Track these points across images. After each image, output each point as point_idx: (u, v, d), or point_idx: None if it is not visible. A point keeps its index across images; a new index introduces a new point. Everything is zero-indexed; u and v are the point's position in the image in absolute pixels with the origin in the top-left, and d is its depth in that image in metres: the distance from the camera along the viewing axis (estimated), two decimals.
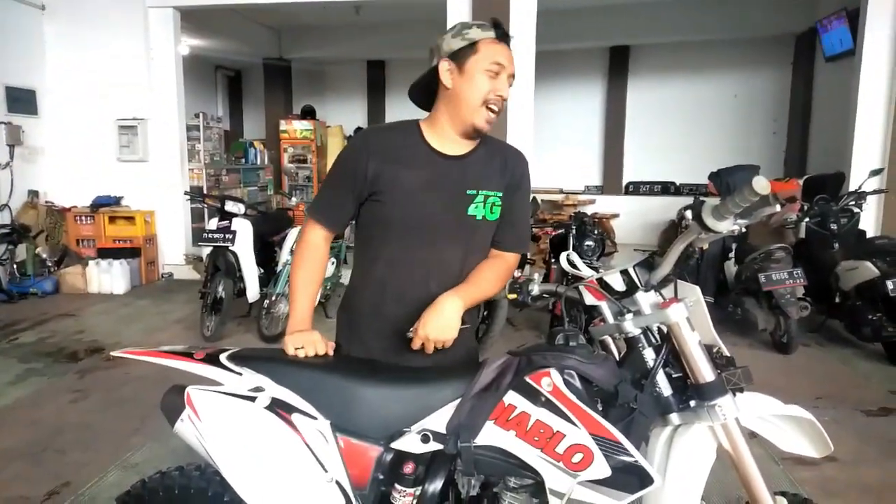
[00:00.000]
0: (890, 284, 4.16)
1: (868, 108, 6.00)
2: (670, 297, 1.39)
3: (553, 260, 5.35)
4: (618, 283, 1.44)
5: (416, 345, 1.55)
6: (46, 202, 7.28)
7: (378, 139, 1.64)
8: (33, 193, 7.17)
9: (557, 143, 9.62)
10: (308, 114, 9.91)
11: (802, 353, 4.71)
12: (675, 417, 1.39)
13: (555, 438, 1.29)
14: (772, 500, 1.36)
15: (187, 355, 1.53)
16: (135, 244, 7.16)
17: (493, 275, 1.67)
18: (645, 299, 1.41)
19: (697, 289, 1.41)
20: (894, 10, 5.86)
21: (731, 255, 5.47)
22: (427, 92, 1.68)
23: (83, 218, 7.21)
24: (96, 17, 7.22)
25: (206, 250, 5.16)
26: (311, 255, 1.69)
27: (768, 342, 4.84)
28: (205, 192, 7.75)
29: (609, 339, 1.52)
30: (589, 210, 8.37)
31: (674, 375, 1.41)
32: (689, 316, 1.36)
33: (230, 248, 4.95)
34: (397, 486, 1.41)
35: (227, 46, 10.12)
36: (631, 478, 1.25)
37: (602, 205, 9.28)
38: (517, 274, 1.67)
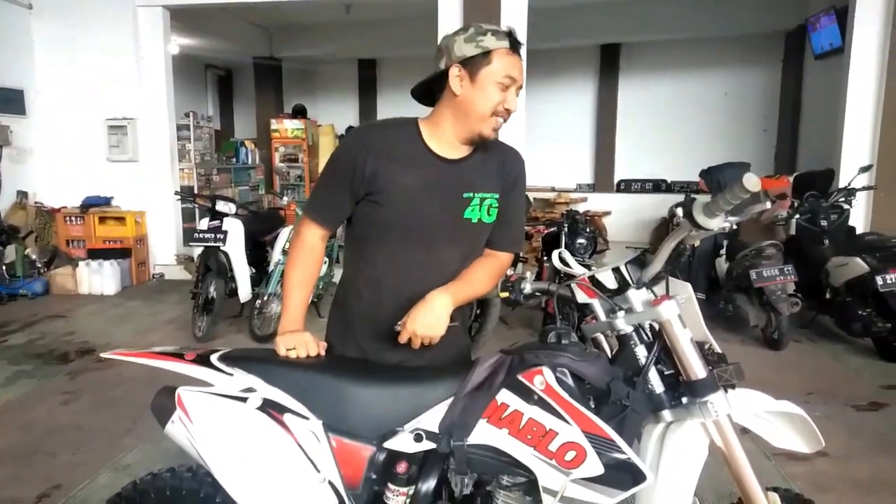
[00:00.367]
0: (879, 280, 4.19)
1: (857, 106, 6.04)
2: (662, 295, 1.40)
3: (545, 258, 5.35)
4: (609, 281, 1.44)
5: (402, 339, 1.54)
6: (36, 203, 7.22)
7: (376, 136, 1.61)
8: (22, 194, 7.11)
9: (549, 142, 9.62)
10: (299, 113, 9.88)
11: (793, 348, 4.73)
12: (667, 414, 1.39)
13: (547, 436, 1.29)
14: (764, 496, 1.37)
15: (178, 356, 1.52)
16: (125, 245, 7.11)
17: (485, 273, 1.66)
18: (637, 297, 1.41)
19: (689, 286, 1.41)
20: (883, 7, 5.90)
21: (723, 252, 5.50)
22: (428, 88, 1.65)
23: (73, 218, 7.16)
24: (85, 16, 7.16)
25: (197, 250, 5.14)
26: (306, 255, 1.68)
27: (759, 338, 4.87)
28: (195, 191, 7.72)
29: (601, 337, 1.52)
30: (581, 208, 8.39)
31: (666, 372, 1.41)
32: (680, 313, 1.37)
33: (221, 248, 4.92)
34: (390, 486, 1.41)
35: (217, 45, 10.07)
36: (623, 475, 1.26)
37: (594, 202, 9.30)
38: (509, 272, 1.67)
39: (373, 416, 1.43)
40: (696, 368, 1.35)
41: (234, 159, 9.55)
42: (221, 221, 5.01)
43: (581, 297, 1.48)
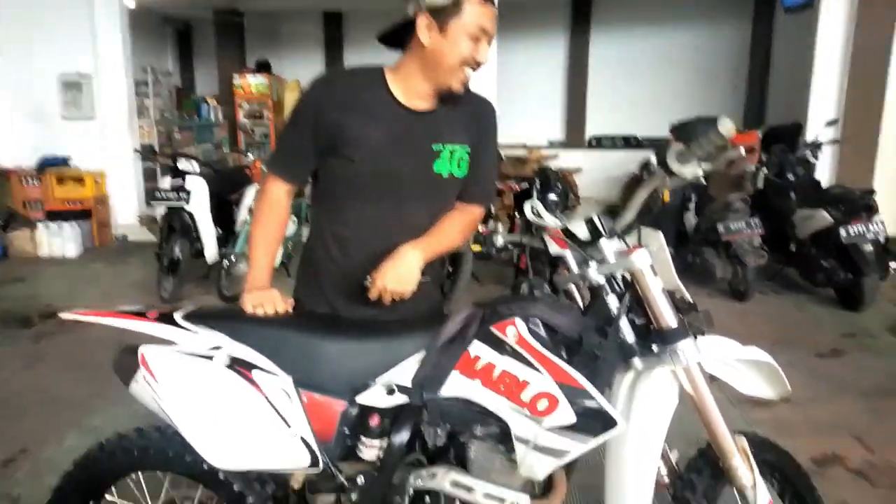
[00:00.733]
0: (843, 232, 4.28)
1: (825, 61, 6.07)
2: (634, 244, 1.39)
3: (517, 215, 5.34)
4: (582, 232, 1.43)
5: (373, 294, 1.51)
6: None
7: (340, 86, 1.54)
8: None
9: (520, 98, 9.50)
10: (263, 68, 9.57)
11: (759, 300, 4.84)
12: (637, 362, 1.40)
13: (520, 387, 1.29)
14: (732, 441, 1.39)
15: (140, 315, 1.47)
16: (85, 206, 6.89)
17: (456, 227, 1.63)
18: (609, 247, 1.40)
19: (660, 234, 1.40)
20: None
21: (691, 206, 5.55)
22: (396, 33, 1.56)
23: (29, 179, 6.89)
24: None
25: (160, 210, 5.00)
26: (271, 211, 1.62)
27: (726, 290, 4.96)
28: (156, 150, 7.48)
29: (573, 288, 1.52)
30: (552, 165, 8.36)
31: (637, 321, 1.42)
32: (652, 262, 1.36)
33: (185, 207, 4.79)
34: (363, 439, 1.40)
35: None
36: (595, 422, 1.27)
37: (565, 159, 9.26)
38: (481, 228, 1.64)
39: (344, 371, 1.41)
40: (667, 317, 1.35)
41: (197, 117, 9.26)
42: (184, 180, 4.87)
43: (554, 248, 1.47)
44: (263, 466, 1.36)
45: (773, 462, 1.57)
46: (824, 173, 5.93)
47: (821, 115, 5.86)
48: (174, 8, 10.30)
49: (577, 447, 1.27)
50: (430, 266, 1.59)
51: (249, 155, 5.93)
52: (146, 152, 6.16)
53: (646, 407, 1.35)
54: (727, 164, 4.76)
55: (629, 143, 9.44)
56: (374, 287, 1.50)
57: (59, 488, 1.55)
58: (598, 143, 9.63)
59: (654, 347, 1.39)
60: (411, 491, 1.42)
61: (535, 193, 4.69)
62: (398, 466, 1.42)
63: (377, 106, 1.53)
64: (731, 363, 1.50)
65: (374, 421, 1.39)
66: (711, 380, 1.42)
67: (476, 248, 1.57)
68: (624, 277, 1.43)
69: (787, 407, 3.03)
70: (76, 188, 6.91)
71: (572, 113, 9.99)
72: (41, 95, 7.02)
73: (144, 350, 1.37)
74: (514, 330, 1.33)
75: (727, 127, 1.07)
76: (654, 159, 1.18)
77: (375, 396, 1.38)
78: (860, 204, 4.37)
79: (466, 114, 1.60)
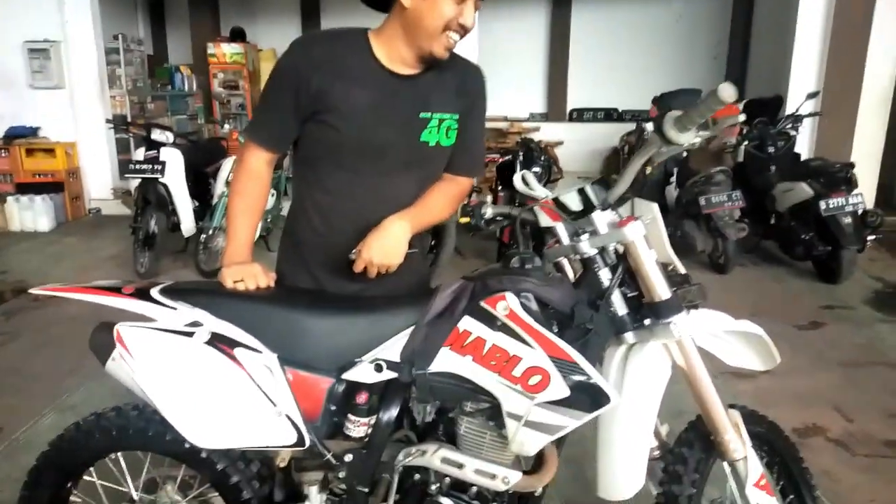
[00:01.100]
0: (823, 205, 4.30)
1: (806, 33, 6.04)
2: (627, 216, 1.35)
3: (500, 187, 5.30)
4: (574, 203, 1.39)
5: (358, 267, 1.46)
6: None
7: (322, 48, 1.46)
8: None
9: (501, 70, 9.35)
10: (238, 36, 9.30)
11: (739, 272, 4.88)
12: (629, 336, 1.38)
13: (511, 362, 1.26)
14: (725, 414, 1.38)
15: (115, 290, 1.41)
16: (57, 178, 6.70)
17: (444, 199, 1.58)
18: (601, 218, 1.36)
19: (655, 206, 1.37)
20: None
21: (672, 179, 5.55)
22: None
23: None
24: None
25: (134, 183, 4.87)
26: (250, 181, 1.55)
27: (706, 263, 4.99)
28: (129, 120, 7.27)
29: (565, 261, 1.49)
30: (534, 138, 8.29)
31: (629, 294, 1.39)
32: (645, 234, 1.33)
33: (160, 179, 4.67)
34: (351, 417, 1.37)
35: None
36: (588, 397, 1.24)
37: (546, 132, 9.19)
38: (470, 200, 1.60)
39: (330, 348, 1.37)
40: (661, 290, 1.32)
41: (170, 86, 9.00)
42: (158, 151, 4.74)
43: (544, 220, 1.43)
44: (247, 445, 1.32)
45: (761, 434, 1.57)
46: (803, 146, 5.94)
47: (801, 88, 5.86)
48: None
49: (569, 422, 1.24)
50: (416, 238, 1.54)
51: (226, 126, 5.78)
52: (119, 123, 5.97)
53: (638, 381, 1.33)
54: (706, 142, 4.75)
55: (610, 116, 9.40)
56: (359, 259, 1.45)
57: (34, 469, 1.51)
58: (580, 115, 9.58)
59: (647, 321, 1.37)
60: (400, 468, 1.39)
61: (517, 169, 4.66)
62: (386, 444, 1.39)
63: (361, 70, 1.46)
64: (720, 335, 1.48)
65: (362, 398, 1.36)
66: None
67: (464, 220, 1.52)
68: (616, 250, 1.41)
69: (768, 378, 3.06)
70: (47, 160, 6.70)
71: (553, 85, 9.90)
72: (7, 63, 6.76)
73: (121, 327, 1.32)
74: (505, 304, 1.30)
75: (728, 92, 1.03)
76: (649, 127, 1.14)
77: (363, 373, 1.35)
78: (840, 177, 4.40)
79: (455, 81, 1.54)
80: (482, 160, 1.69)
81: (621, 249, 1.38)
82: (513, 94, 9.60)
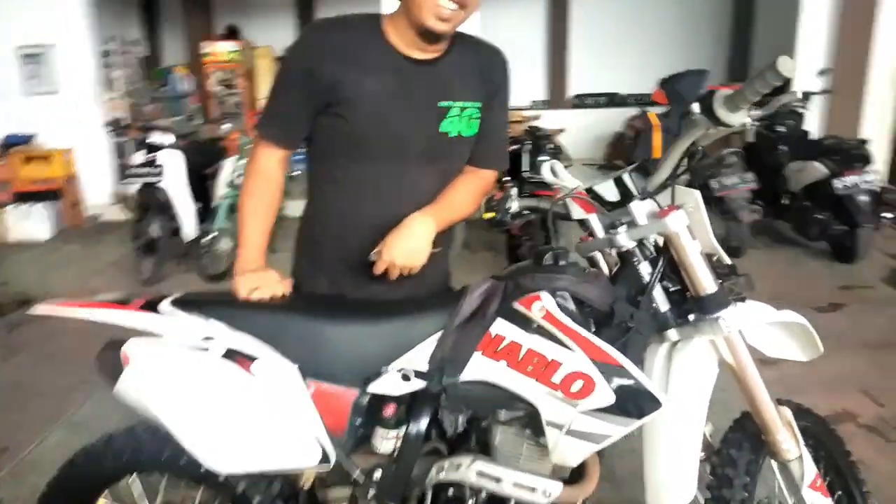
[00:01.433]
0: (838, 183, 4.20)
1: (812, 9, 5.92)
2: (668, 205, 1.26)
3: (507, 179, 5.19)
4: (610, 193, 1.30)
5: (378, 269, 1.37)
6: None
7: (334, 35, 1.36)
8: None
9: None
10: (233, 34, 9.18)
11: (752, 256, 4.78)
12: (672, 333, 1.29)
13: (550, 367, 1.17)
14: (777, 413, 1.30)
15: (123, 304, 1.32)
16: (55, 185, 6.58)
17: (468, 193, 1.49)
18: (640, 209, 1.27)
19: (697, 193, 1.28)
20: None
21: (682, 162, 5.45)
22: None
23: None
24: None
25: (133, 187, 4.77)
26: (262, 182, 1.45)
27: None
28: (127, 123, 7.15)
29: (598, 255, 1.39)
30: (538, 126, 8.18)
31: (671, 289, 1.30)
32: (688, 224, 1.24)
33: (159, 183, 4.57)
34: (378, 430, 1.28)
35: None
36: (636, 403, 1.15)
37: (548, 119, 9.07)
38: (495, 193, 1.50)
39: (354, 357, 1.28)
40: (707, 283, 1.24)
41: (167, 87, 8.89)
42: (157, 154, 4.64)
43: (577, 212, 1.34)
44: (269, 468, 1.23)
45: (807, 429, 1.48)
46: (812, 124, 5.84)
47: (810, 65, 5.75)
48: None
49: (616, 430, 1.16)
50: (440, 236, 1.44)
51: (226, 126, 5.67)
52: (116, 127, 5.87)
53: (685, 381, 1.25)
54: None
55: (613, 100, 9.28)
56: (380, 261, 1.36)
57: (43, 497, 1.42)
58: (582, 101, 9.45)
59: (691, 316, 1.28)
60: (433, 483, 1.31)
61: (524, 158, 4.56)
62: (417, 457, 1.31)
63: (375, 57, 1.36)
64: (760, 326, 1.40)
65: (389, 411, 1.27)
66: None
67: (488, 215, 1.43)
68: (655, 242, 1.32)
69: (792, 365, 2.92)
70: (44, 167, 6.58)
71: (555, 71, 9.77)
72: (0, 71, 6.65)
73: (130, 345, 1.23)
74: (541, 305, 1.21)
75: (788, 65, 0.94)
76: (695, 108, 1.05)
77: (389, 384, 1.26)
78: (855, 154, 4.30)
79: (478, 66, 1.44)
80: (506, 151, 1.60)
81: (661, 241, 1.29)
82: (514, 82, 9.48)
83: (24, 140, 6.69)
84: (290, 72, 1.38)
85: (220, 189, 4.74)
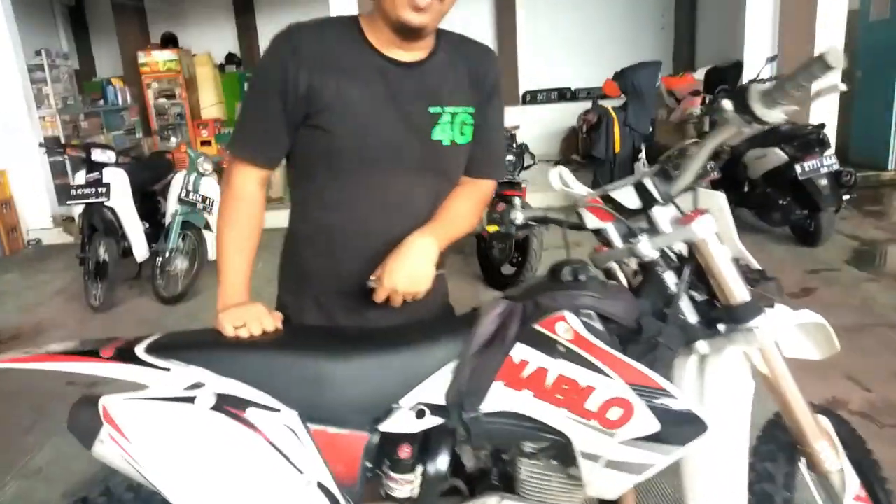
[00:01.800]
0: (798, 168, 4.26)
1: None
2: (693, 210, 1.18)
3: None
4: (631, 200, 1.20)
5: (379, 297, 1.25)
6: None
7: (308, 39, 1.22)
8: None
9: None
10: (169, 42, 8.84)
11: None
12: (702, 346, 1.20)
13: (583, 394, 1.07)
14: (816, 423, 1.23)
15: (91, 354, 1.16)
16: None
17: (468, 206, 1.36)
18: (663, 215, 1.18)
19: (721, 195, 1.20)
20: None
21: (641, 156, 5.47)
22: None
23: None
24: None
25: (77, 209, 4.48)
26: (241, 207, 1.30)
27: None
28: (63, 141, 6.77)
29: (615, 267, 1.30)
30: None
31: (698, 299, 1.22)
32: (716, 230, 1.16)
33: (105, 203, 4.30)
34: (393, 475, 1.16)
35: None
36: (681, 428, 1.06)
37: None
38: (499, 206, 1.38)
39: (360, 396, 1.15)
40: (738, 291, 1.16)
41: (102, 101, 8.46)
42: (101, 173, 4.37)
43: (593, 221, 1.23)
44: None
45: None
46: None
47: (757, 53, 5.84)
48: None
49: (660, 459, 1.06)
50: (442, 255, 1.32)
51: (172, 139, 5.40)
52: (53, 145, 5.52)
53: (723, 396, 1.16)
54: (666, 115, 4.64)
55: (564, 96, 9.30)
56: (381, 288, 1.24)
57: None
58: (533, 98, 9.45)
59: (721, 326, 1.20)
60: None
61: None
62: (437, 501, 1.18)
63: (355, 60, 1.23)
64: (789, 331, 1.34)
65: (405, 452, 1.15)
66: None
67: (492, 228, 1.32)
68: (678, 250, 1.23)
69: None
70: None
71: (504, 69, 9.70)
72: None
73: (106, 402, 1.07)
74: (566, 326, 1.10)
75: (836, 56, 0.86)
76: (727, 105, 0.96)
77: (402, 422, 1.13)
78: (813, 139, 4.36)
79: (468, 67, 1.32)
80: (503, 158, 1.48)
81: (685, 249, 1.20)
82: None
83: None
84: (264, 83, 1.24)
85: (171, 206, 4.50)
